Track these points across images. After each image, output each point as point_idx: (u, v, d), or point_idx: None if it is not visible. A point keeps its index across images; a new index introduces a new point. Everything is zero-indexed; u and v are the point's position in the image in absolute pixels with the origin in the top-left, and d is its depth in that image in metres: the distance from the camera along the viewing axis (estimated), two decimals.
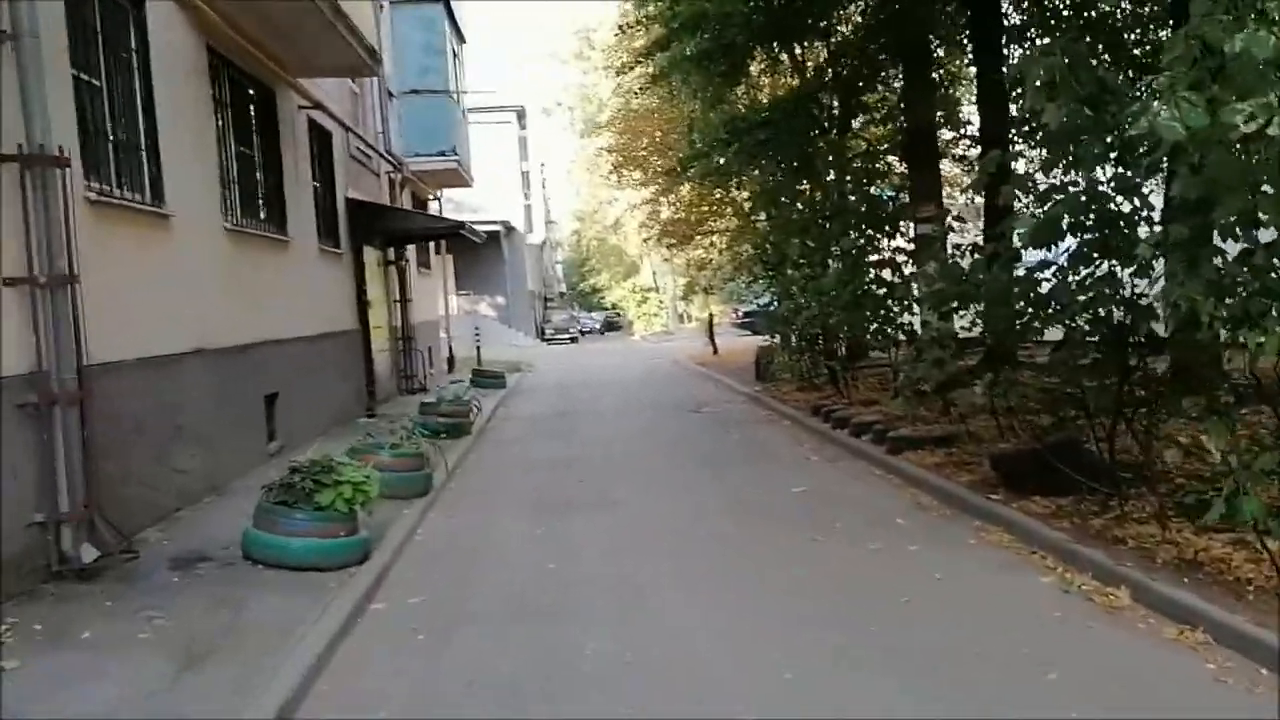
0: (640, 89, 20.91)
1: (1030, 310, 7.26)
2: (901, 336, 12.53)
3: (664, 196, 27.91)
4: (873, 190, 13.30)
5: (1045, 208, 7.00)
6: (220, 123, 10.41)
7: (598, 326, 61.67)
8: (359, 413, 15.47)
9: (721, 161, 15.22)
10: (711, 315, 33.49)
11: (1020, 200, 7.54)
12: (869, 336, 13.08)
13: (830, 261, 16.61)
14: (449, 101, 21.82)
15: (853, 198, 12.94)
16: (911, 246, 13.11)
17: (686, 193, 27.85)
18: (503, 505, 9.54)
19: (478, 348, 27.99)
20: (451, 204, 47.79)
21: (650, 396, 19.66)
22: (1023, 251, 7.78)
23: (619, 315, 66.19)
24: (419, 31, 21.74)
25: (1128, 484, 7.31)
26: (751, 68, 17.32)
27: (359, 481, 7.24)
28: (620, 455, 12.20)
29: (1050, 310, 7.02)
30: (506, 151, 51.34)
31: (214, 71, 10.29)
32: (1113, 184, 6.72)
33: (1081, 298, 6.68)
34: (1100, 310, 6.72)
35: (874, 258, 12.39)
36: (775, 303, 17.11)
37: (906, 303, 12.30)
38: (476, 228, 45.11)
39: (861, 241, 12.42)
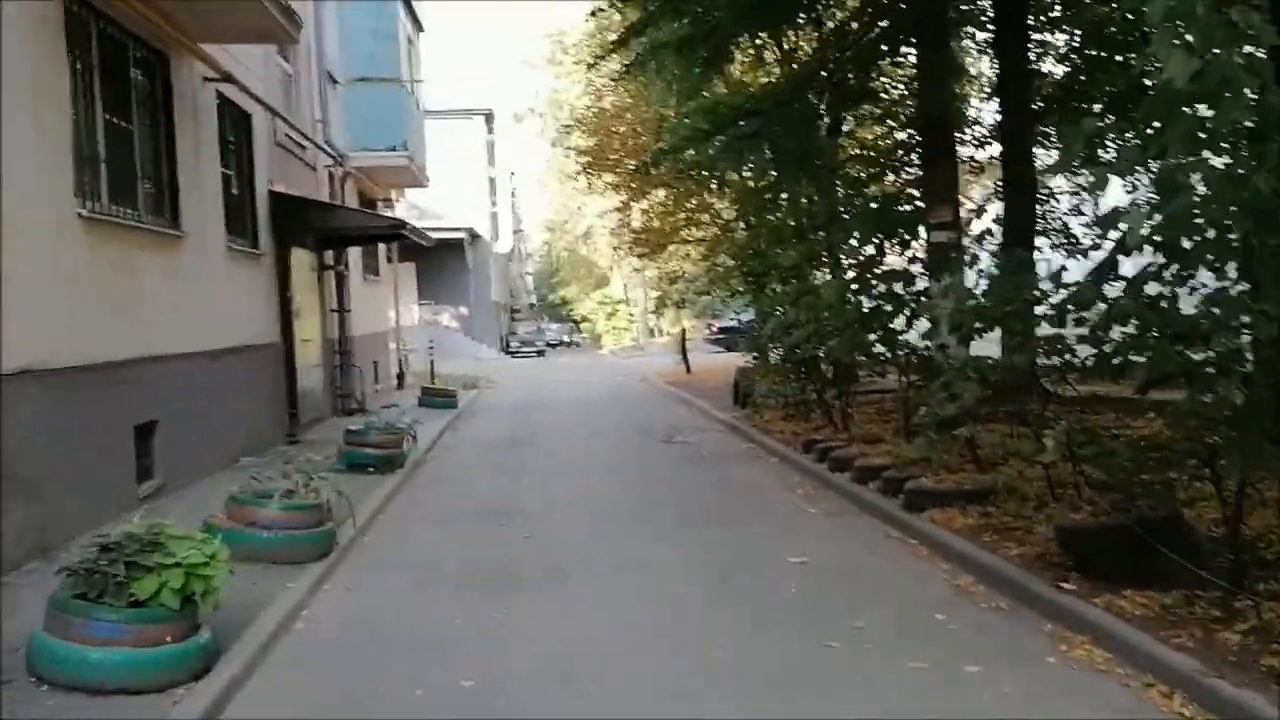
0: (614, 80, 18.95)
1: (1155, 337, 5.26)
2: (904, 360, 10.60)
3: (635, 202, 25.90)
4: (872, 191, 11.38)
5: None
6: (79, 86, 8.30)
7: (565, 339, 59.43)
8: (278, 439, 13.34)
9: (697, 156, 13.18)
10: (684, 331, 31.48)
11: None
12: (870, 360, 11.13)
13: (820, 273, 14.75)
14: (400, 91, 19.74)
15: (858, 199, 11.00)
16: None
17: (660, 199, 25.91)
18: (423, 574, 7.46)
19: (431, 362, 25.85)
20: (415, 210, 45.73)
21: (617, 420, 17.62)
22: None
23: (574, 329, 64.23)
24: (367, 15, 19.64)
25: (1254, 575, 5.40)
26: (734, 58, 15.39)
27: (196, 564, 5.16)
28: (578, 502, 10.15)
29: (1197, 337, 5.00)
30: (473, 156, 49.36)
31: (73, 23, 8.19)
32: None
33: (1234, 321, 4.73)
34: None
35: (880, 269, 10.42)
36: (759, 319, 15.12)
37: (913, 323, 10.37)
38: (437, 234, 43.21)
39: (869, 250, 10.46)
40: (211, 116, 11.46)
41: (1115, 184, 16.37)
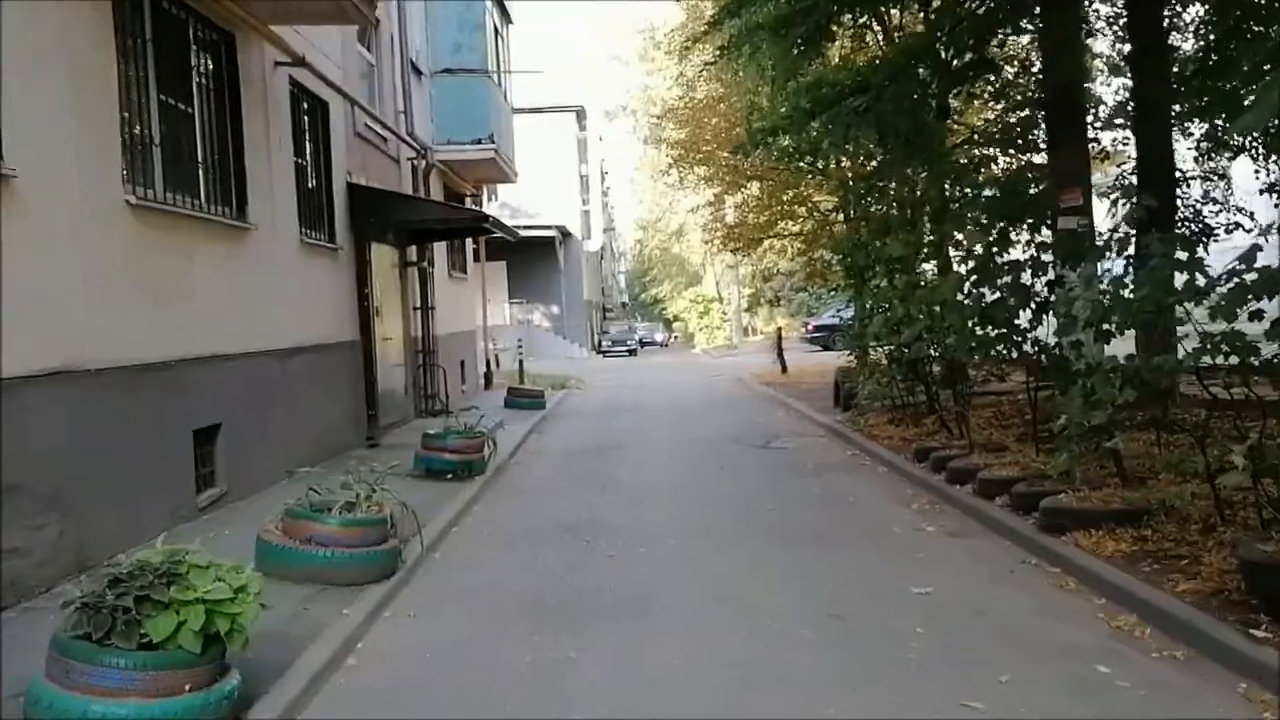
0: (706, 65, 18.02)
1: None
2: (1032, 359, 9.46)
3: (729, 195, 24.94)
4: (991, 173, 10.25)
5: None
6: (129, 64, 7.70)
7: (657, 338, 58.47)
8: (356, 442, 12.77)
9: (792, 140, 12.10)
10: (780, 329, 30.35)
11: None
12: (991, 359, 10.02)
13: (927, 266, 13.62)
14: (487, 82, 19.11)
15: (977, 183, 9.90)
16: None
17: (755, 192, 24.92)
18: (493, 601, 6.68)
19: (519, 361, 25.24)
20: (506, 208, 45.55)
21: (710, 425, 16.70)
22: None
23: (665, 327, 63.17)
24: (454, 6, 19.05)
25: None
26: (834, 38, 14.33)
27: (221, 600, 4.42)
28: (667, 518, 9.26)
29: None
30: (564, 153, 48.90)
31: None
32: None
33: None
34: None
35: (1004, 259, 9.30)
36: (864, 315, 14.06)
37: (1042, 318, 9.25)
38: (528, 232, 42.88)
39: (993, 238, 9.35)
40: (284, 103, 10.88)
41: (1245, 168, 14.79)
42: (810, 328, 39.47)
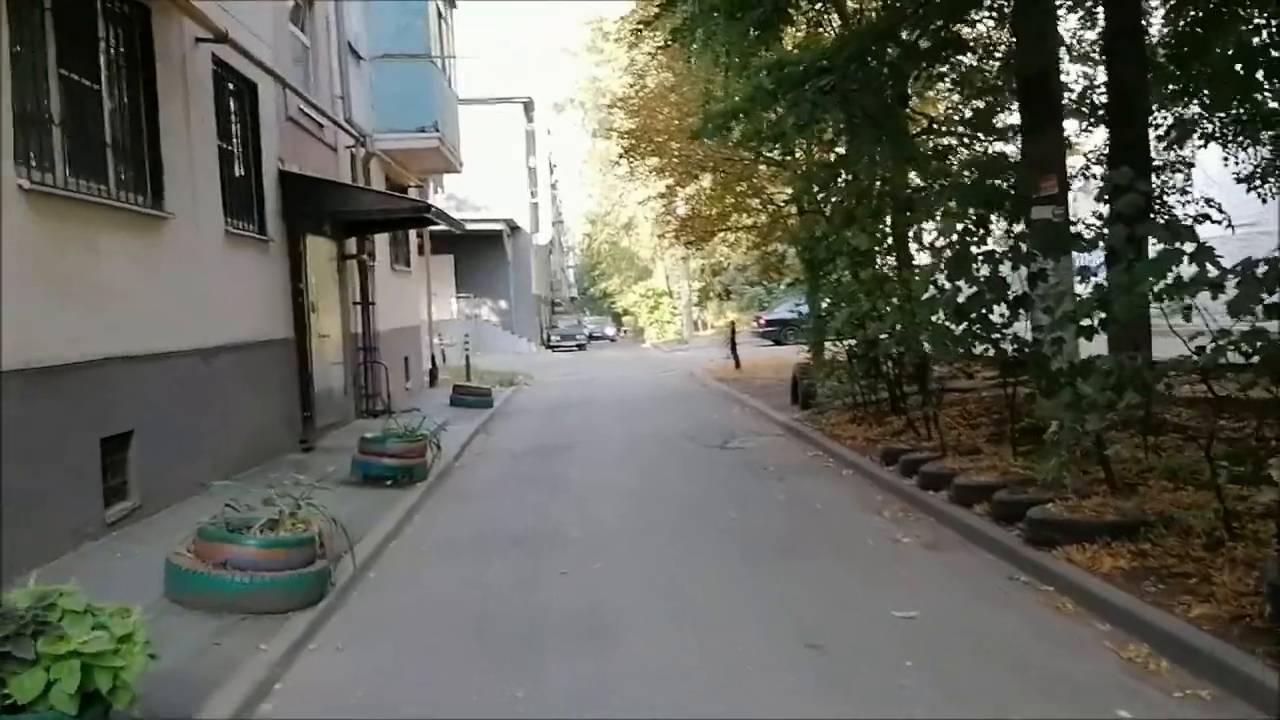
0: (657, 51, 17.39)
1: None
2: (1008, 357, 8.96)
3: (681, 187, 24.33)
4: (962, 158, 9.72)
5: None
6: (22, 34, 6.90)
7: (607, 333, 57.66)
8: (289, 446, 11.99)
9: (748, 124, 11.47)
10: (733, 324, 29.81)
11: None
12: (962, 356, 9.51)
13: (888, 259, 13.12)
14: (430, 68, 18.31)
15: (951, 169, 9.36)
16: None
17: (707, 184, 24.34)
18: (435, 626, 6.01)
19: (466, 357, 24.47)
20: (453, 201, 44.58)
21: (664, 422, 16.10)
22: None
23: (615, 322, 62.27)
24: None
25: None
26: (791, 21, 13.75)
27: (100, 653, 3.71)
28: (622, 526, 8.64)
29: None
30: (512, 145, 48.01)
31: None
32: None
33: None
34: None
35: (980, 250, 8.77)
36: (824, 310, 13.53)
37: (1018, 313, 8.75)
38: (476, 225, 41.97)
39: (968, 227, 8.81)
40: (206, 83, 10.07)
41: (1214, 157, 14.43)
42: (762, 322, 39.06)
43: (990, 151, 12.15)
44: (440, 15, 19.62)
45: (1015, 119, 13.87)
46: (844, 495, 9.54)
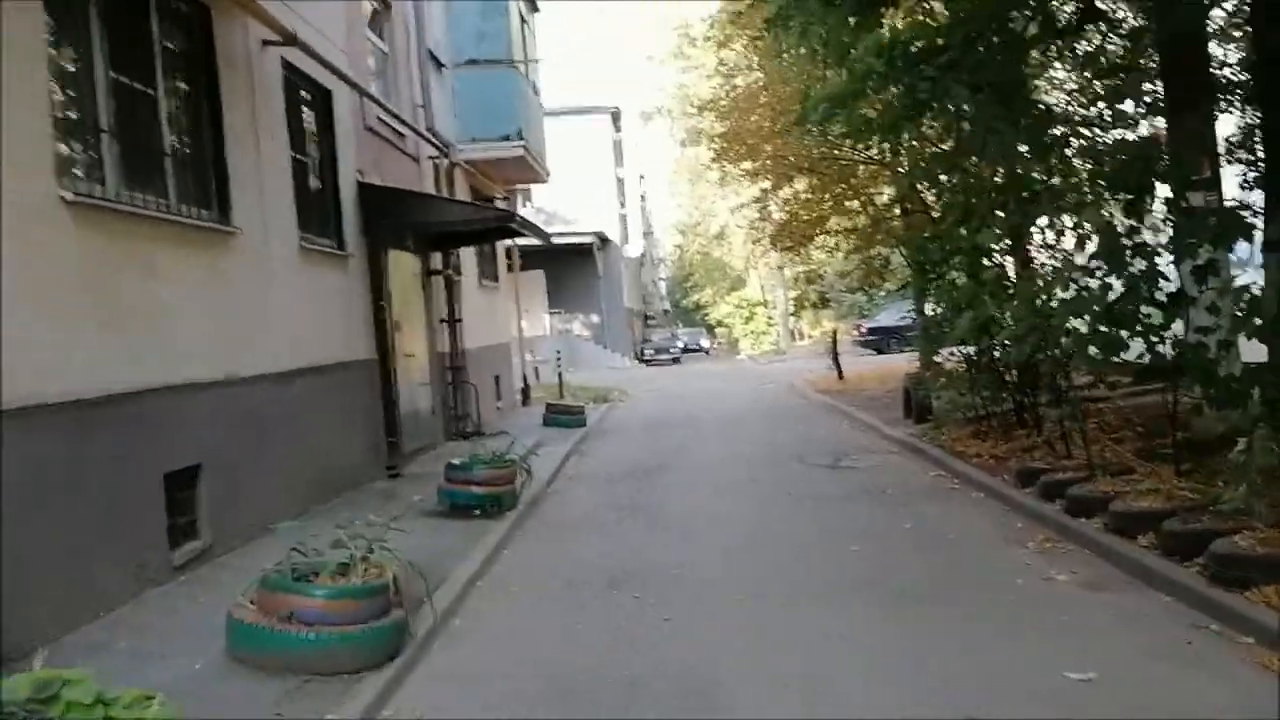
0: (751, 44, 16.49)
1: None
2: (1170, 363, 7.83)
3: (776, 190, 23.36)
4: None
5: None
6: (66, 33, 6.34)
7: (701, 344, 56.45)
8: (375, 474, 11.38)
9: (861, 112, 10.49)
10: (835, 332, 28.65)
11: None
12: (1112, 365, 8.38)
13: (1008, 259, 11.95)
14: (513, 74, 17.70)
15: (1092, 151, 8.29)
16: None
17: (802, 187, 23.33)
18: (522, 695, 5.20)
19: (559, 374, 23.82)
20: (542, 214, 44.23)
21: (767, 440, 15.15)
22: None
23: (708, 333, 60.92)
24: None
25: None
26: (896, 4, 12.74)
27: None
28: (729, 563, 7.75)
29: None
30: (599, 156, 47.56)
31: None
32: None
33: None
34: None
35: (1131, 241, 7.67)
36: (943, 315, 12.46)
37: (1177, 314, 7.63)
38: (566, 239, 41.52)
39: (1117, 215, 7.73)
40: (276, 89, 9.52)
41: None
42: (863, 331, 37.71)
43: (1115, 138, 10.92)
44: (523, 19, 19.02)
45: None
46: (979, 523, 8.49)
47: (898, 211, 21.83)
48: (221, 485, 7.71)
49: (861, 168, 21.83)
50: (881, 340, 35.93)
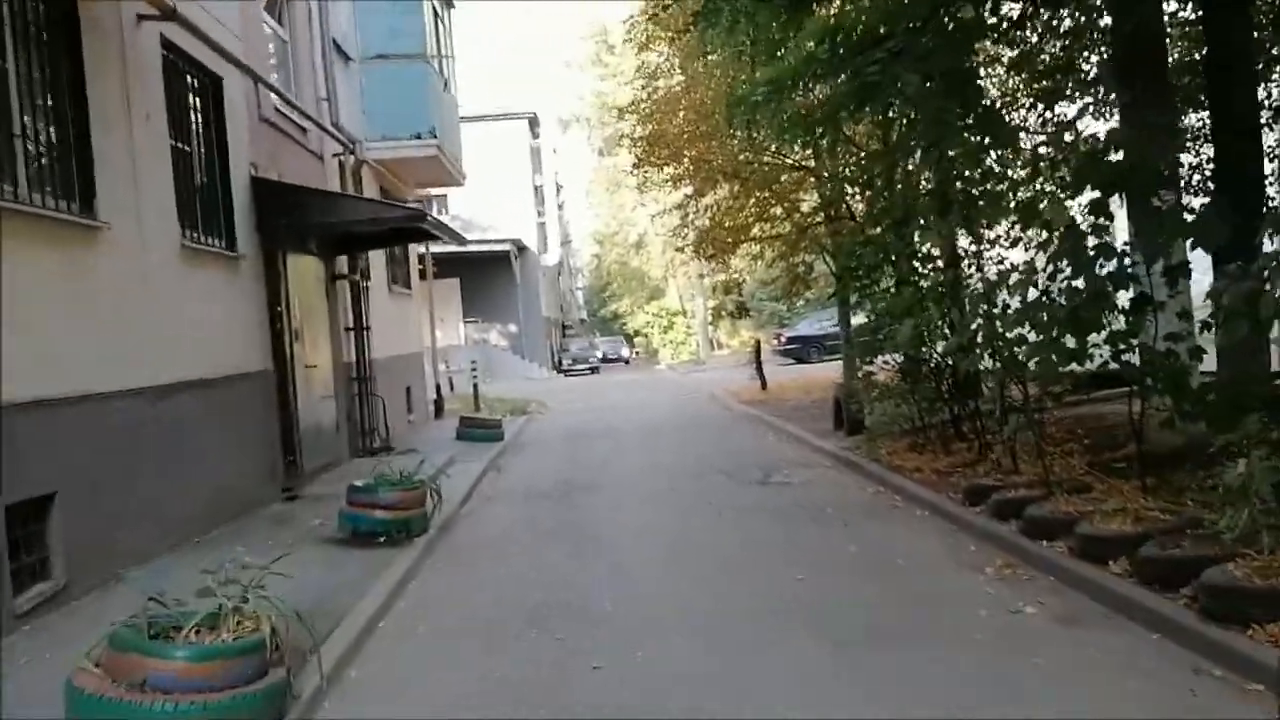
0: (672, 42, 15.83)
1: None
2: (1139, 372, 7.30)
3: (700, 197, 22.75)
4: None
5: None
6: None
7: (624, 354, 55.38)
8: (269, 496, 10.40)
9: (794, 103, 9.82)
10: (758, 341, 28.09)
11: None
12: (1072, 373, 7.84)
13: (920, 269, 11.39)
14: (426, 70, 16.78)
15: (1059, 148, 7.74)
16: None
17: (726, 194, 22.75)
18: None
19: (475, 386, 22.86)
20: (459, 221, 43.18)
21: (693, 453, 14.46)
22: None
23: (628, 343, 59.84)
24: None
25: None
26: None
27: None
28: (662, 594, 7.00)
29: None
30: (517, 163, 46.64)
31: None
32: None
33: None
34: None
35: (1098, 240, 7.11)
36: (878, 323, 11.91)
37: (1145, 321, 7.11)
38: (482, 246, 40.52)
39: (1079, 212, 7.16)
40: (154, 69, 8.53)
41: None
42: (784, 340, 37.35)
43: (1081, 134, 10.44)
44: (437, 15, 18.12)
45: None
46: (928, 545, 7.85)
47: (822, 218, 21.39)
48: (81, 516, 6.72)
49: (785, 174, 21.35)
50: (802, 349, 35.66)
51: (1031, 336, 7.56)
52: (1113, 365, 7.12)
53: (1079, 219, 7.14)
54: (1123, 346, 6.87)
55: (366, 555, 8.22)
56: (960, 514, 8.44)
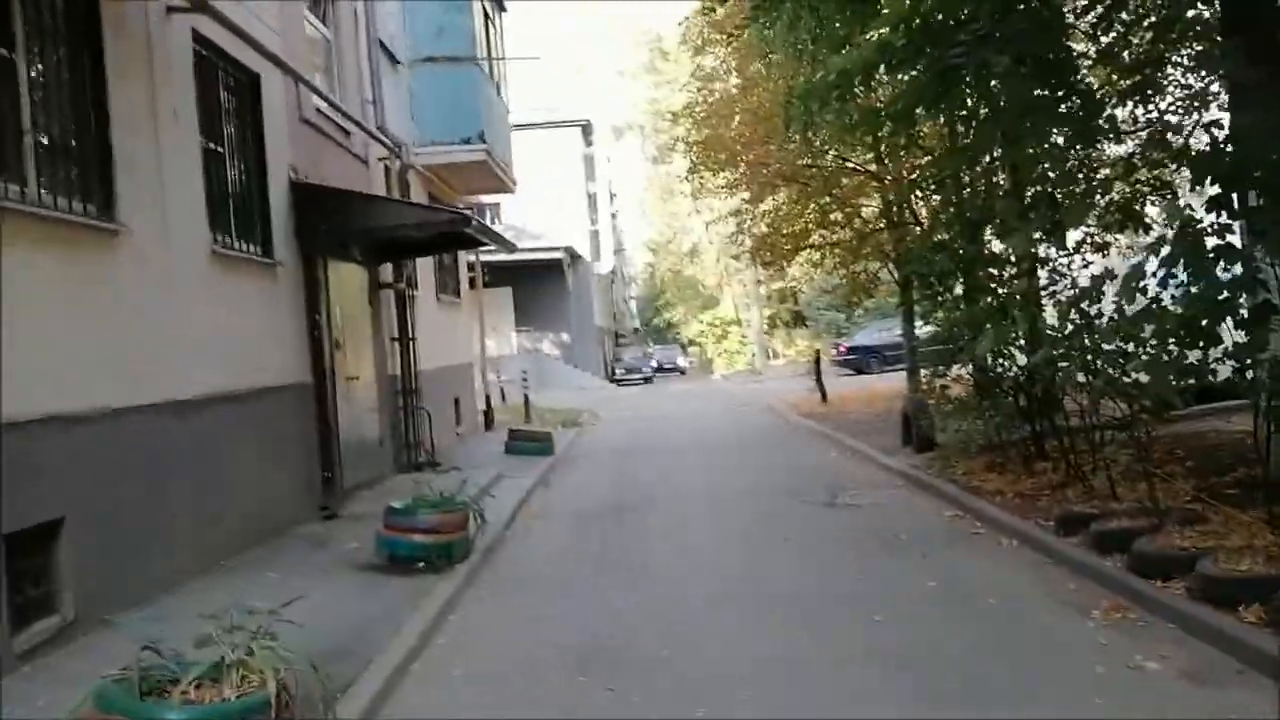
0: (728, 44, 15.18)
1: None
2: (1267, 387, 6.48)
3: (757, 203, 22.05)
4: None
5: None
6: None
7: (680, 364, 54.00)
8: (306, 515, 9.88)
9: (866, 100, 9.08)
10: (818, 352, 27.21)
11: None
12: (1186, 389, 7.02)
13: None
14: (475, 72, 16.27)
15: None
16: None
17: (784, 199, 22.02)
18: None
19: (525, 397, 22.32)
20: (511, 230, 42.78)
21: (754, 470, 13.74)
22: None
23: (682, 351, 58.33)
24: None
25: None
26: None
27: None
28: (727, 639, 6.29)
29: None
30: (570, 170, 46.22)
31: None
32: None
33: None
34: None
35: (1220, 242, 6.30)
36: (952, 333, 11.13)
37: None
38: (535, 254, 40.08)
39: (1198, 212, 6.36)
40: (183, 64, 8.02)
41: None
42: (842, 350, 36.37)
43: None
44: (487, 17, 17.61)
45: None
46: (1021, 582, 7.06)
47: (884, 224, 20.59)
48: (94, 543, 6.19)
49: (846, 179, 20.60)
50: (861, 359, 34.73)
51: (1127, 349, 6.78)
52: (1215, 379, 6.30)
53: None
54: (1249, 361, 6.04)
55: (404, 583, 7.64)
56: (1053, 544, 7.64)
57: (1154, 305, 6.45)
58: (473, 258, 21.45)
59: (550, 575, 8.32)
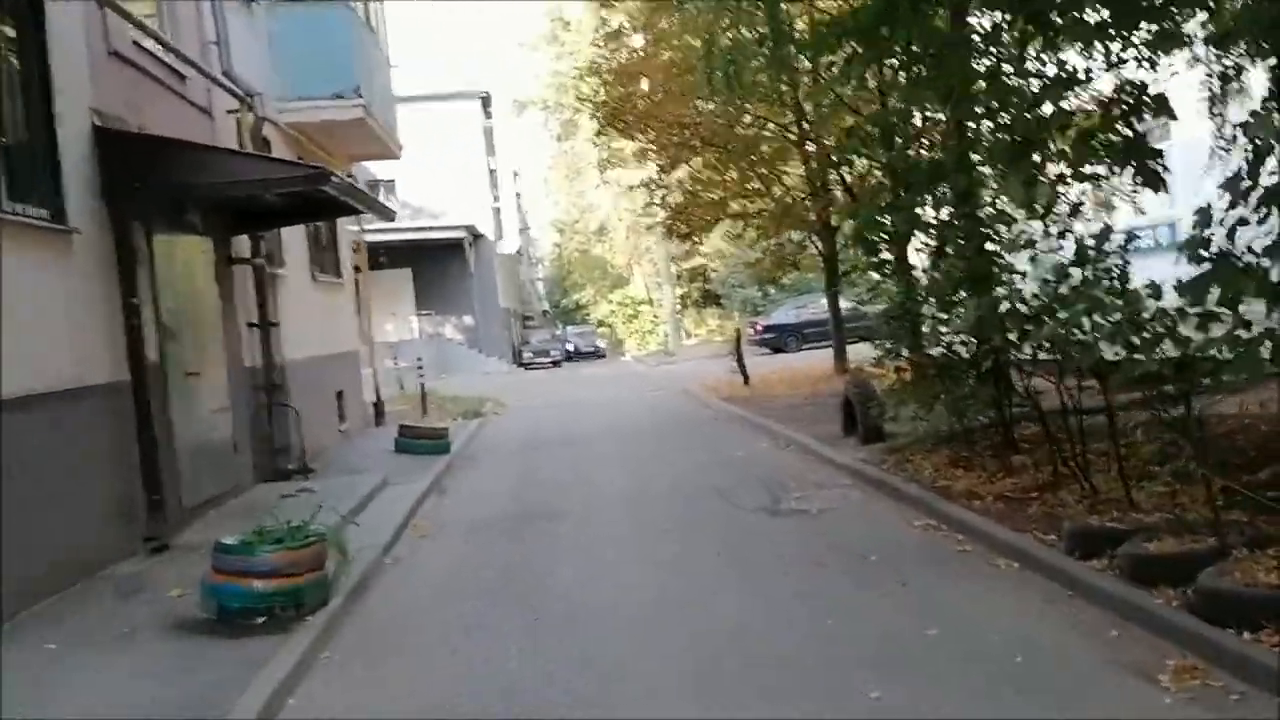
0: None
1: None
2: None
3: (670, 171, 20.35)
4: None
5: None
6: None
7: (599, 346, 51.50)
8: (125, 549, 7.80)
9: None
10: (739, 331, 25.52)
11: None
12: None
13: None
14: (349, 17, 14.12)
15: None
16: None
17: (700, 166, 20.38)
18: None
19: (421, 386, 20.27)
20: (408, 209, 40.49)
21: (678, 466, 12.03)
22: None
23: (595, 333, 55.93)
24: None
25: None
26: None
27: None
28: (671, 703, 4.54)
29: None
30: (470, 145, 44.00)
31: None
32: None
33: None
34: None
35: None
36: (914, 304, 9.53)
37: None
38: (435, 235, 37.84)
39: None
40: None
41: None
42: (760, 328, 34.95)
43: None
44: None
45: None
46: (1046, 629, 5.37)
47: (806, 193, 19.15)
48: None
49: (765, 145, 19.07)
50: (779, 338, 33.49)
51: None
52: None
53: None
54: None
55: (232, 652, 5.71)
56: (1070, 570, 6.00)
57: (1227, 259, 4.82)
58: (358, 229, 19.28)
59: (435, 620, 6.45)
